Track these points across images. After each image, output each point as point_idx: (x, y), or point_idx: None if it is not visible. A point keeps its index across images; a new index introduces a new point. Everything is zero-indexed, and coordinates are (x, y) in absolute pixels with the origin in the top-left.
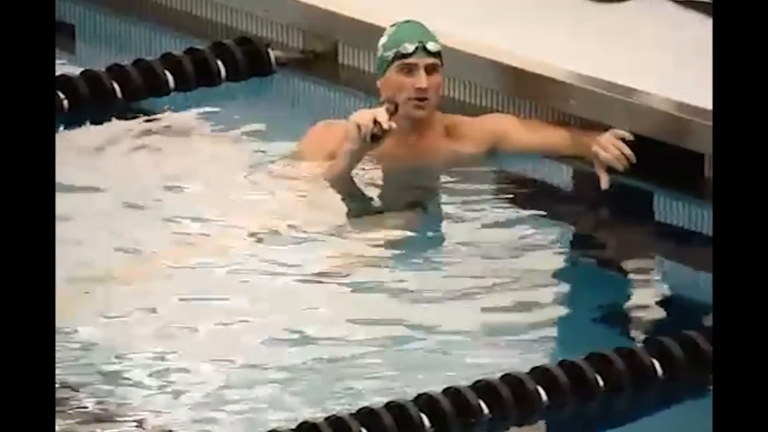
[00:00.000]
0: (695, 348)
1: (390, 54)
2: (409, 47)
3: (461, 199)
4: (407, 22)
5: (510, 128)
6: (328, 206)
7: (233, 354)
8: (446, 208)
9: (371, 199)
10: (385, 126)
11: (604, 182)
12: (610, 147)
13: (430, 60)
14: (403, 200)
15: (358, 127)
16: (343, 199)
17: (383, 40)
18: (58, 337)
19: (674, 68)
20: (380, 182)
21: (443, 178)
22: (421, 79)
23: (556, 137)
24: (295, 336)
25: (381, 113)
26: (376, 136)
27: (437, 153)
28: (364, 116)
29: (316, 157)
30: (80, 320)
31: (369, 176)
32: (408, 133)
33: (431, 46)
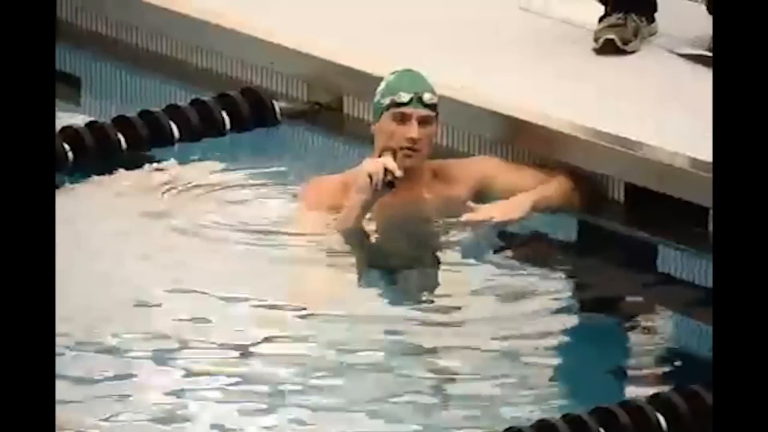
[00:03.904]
0: (700, 402)
1: (386, 101)
2: (405, 96)
3: (458, 249)
4: (407, 71)
5: (497, 171)
6: (345, 259)
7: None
8: (443, 258)
9: (377, 249)
10: (397, 173)
11: None
12: None
13: (425, 112)
14: (402, 250)
15: (370, 176)
16: (358, 249)
17: (381, 86)
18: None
19: (678, 120)
20: (378, 232)
21: (438, 227)
22: (413, 130)
23: (543, 186)
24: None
25: (390, 161)
26: (390, 183)
27: (428, 200)
28: (375, 165)
29: (319, 211)
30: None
31: (367, 227)
32: (398, 182)
33: (427, 97)
